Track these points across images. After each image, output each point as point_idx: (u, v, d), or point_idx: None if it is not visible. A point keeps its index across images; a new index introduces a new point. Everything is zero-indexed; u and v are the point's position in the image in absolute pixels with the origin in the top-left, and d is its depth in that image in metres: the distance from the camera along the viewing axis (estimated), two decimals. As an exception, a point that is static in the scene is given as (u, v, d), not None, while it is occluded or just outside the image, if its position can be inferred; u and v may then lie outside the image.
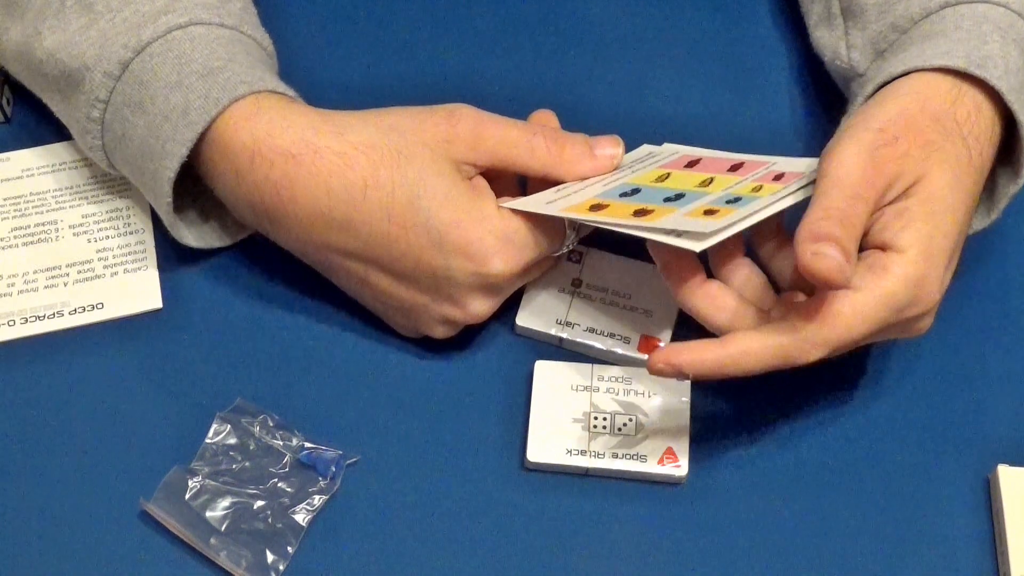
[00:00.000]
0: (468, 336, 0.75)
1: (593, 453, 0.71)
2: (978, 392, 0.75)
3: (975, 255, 0.77)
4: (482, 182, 0.72)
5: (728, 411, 0.74)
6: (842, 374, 0.75)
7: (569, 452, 0.71)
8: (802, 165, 0.71)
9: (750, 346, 0.66)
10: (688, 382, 0.73)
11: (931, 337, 0.74)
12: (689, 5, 0.91)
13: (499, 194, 0.73)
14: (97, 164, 0.77)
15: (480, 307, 0.72)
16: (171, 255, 0.78)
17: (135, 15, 0.73)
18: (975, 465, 0.72)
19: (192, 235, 0.76)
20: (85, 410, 0.73)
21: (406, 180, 0.69)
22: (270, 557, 0.68)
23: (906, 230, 0.66)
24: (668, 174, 0.73)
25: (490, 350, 0.75)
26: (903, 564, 0.70)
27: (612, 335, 0.75)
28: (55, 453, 0.72)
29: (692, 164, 0.74)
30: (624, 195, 0.71)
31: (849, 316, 0.65)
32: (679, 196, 0.70)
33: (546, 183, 0.73)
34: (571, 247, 0.74)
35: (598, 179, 0.73)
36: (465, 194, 0.70)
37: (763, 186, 0.70)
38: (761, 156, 0.74)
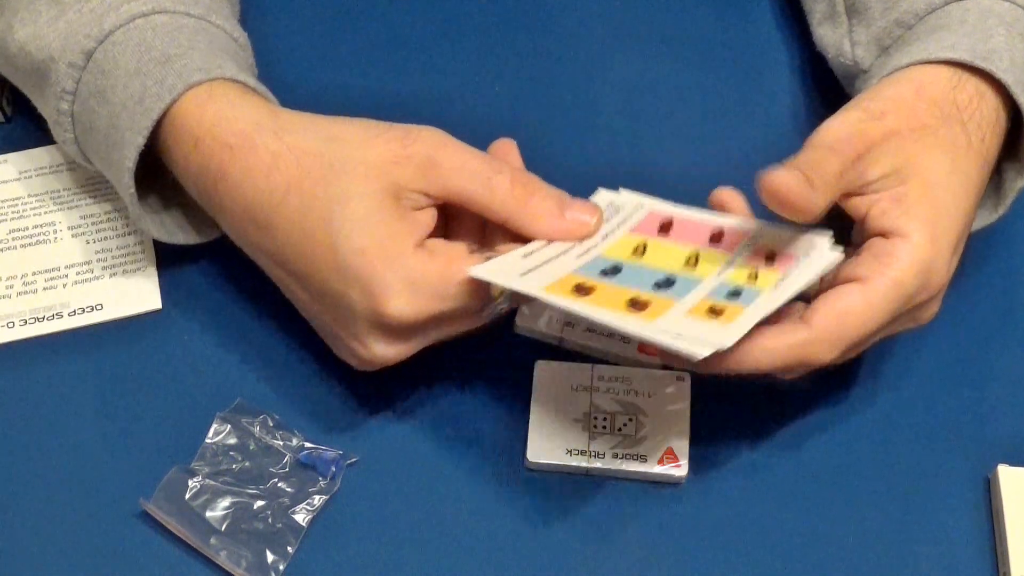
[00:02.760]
0: (468, 336, 0.75)
1: (593, 453, 0.71)
2: (978, 392, 0.75)
3: (976, 254, 0.77)
4: (426, 217, 0.67)
5: (728, 411, 0.74)
6: (842, 374, 0.74)
7: (569, 452, 0.71)
8: (791, 243, 0.67)
9: (766, 343, 0.64)
10: (688, 382, 0.73)
11: (932, 336, 0.75)
12: (690, 4, 0.91)
13: (461, 236, 0.69)
14: (75, 159, 0.76)
15: (381, 350, 0.67)
16: (170, 255, 0.78)
17: (101, 5, 0.73)
18: (975, 465, 0.72)
19: (155, 227, 0.74)
20: (85, 410, 0.73)
21: (328, 194, 0.66)
22: (270, 557, 0.68)
23: (907, 215, 0.66)
24: (644, 244, 0.69)
25: (490, 350, 0.75)
26: (903, 564, 0.69)
27: (612, 335, 0.75)
28: (55, 453, 0.72)
29: (665, 228, 0.70)
30: (605, 273, 0.67)
31: (861, 310, 0.65)
32: (669, 282, 0.67)
33: (507, 234, 0.68)
34: (502, 312, 0.68)
35: (570, 244, 0.69)
36: (385, 223, 0.65)
37: (759, 273, 0.67)
38: (739, 220, 0.70)
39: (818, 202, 0.64)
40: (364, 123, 0.69)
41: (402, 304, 0.64)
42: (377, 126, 0.68)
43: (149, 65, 0.70)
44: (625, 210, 0.71)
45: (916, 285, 0.66)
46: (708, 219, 0.70)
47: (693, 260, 0.68)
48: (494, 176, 0.67)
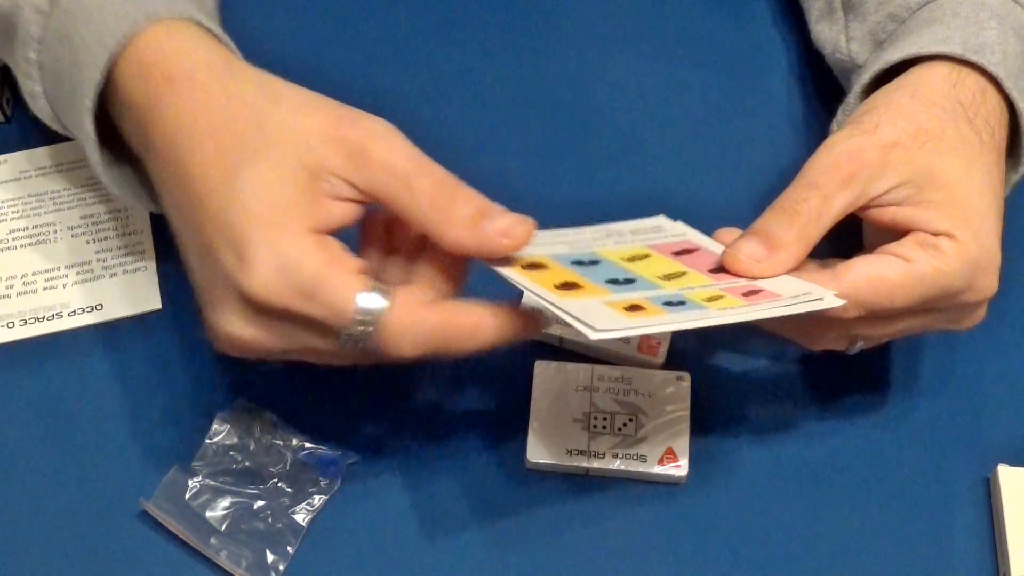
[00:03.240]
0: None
1: (593, 453, 0.71)
2: (978, 392, 0.75)
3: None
4: (340, 210, 0.62)
5: (728, 411, 0.74)
6: (842, 374, 0.75)
7: (569, 452, 0.71)
8: (787, 287, 0.64)
9: None
10: (688, 382, 0.73)
11: (931, 337, 0.75)
12: (688, 4, 0.91)
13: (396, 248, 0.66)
14: (44, 119, 0.72)
15: (233, 325, 0.62)
16: (171, 255, 0.77)
17: None
18: (975, 465, 0.72)
19: (115, 182, 0.70)
20: (85, 410, 0.73)
21: (243, 148, 0.61)
22: (270, 557, 0.68)
23: (942, 218, 0.65)
24: (648, 255, 0.67)
25: (490, 350, 0.75)
26: (903, 564, 0.70)
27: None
28: (55, 453, 0.72)
29: (682, 253, 0.68)
30: (578, 263, 0.65)
31: (895, 282, 0.64)
32: (628, 281, 0.64)
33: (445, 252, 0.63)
34: (364, 346, 0.61)
35: (576, 236, 0.67)
36: (286, 196, 0.61)
37: (724, 297, 0.63)
38: None
39: (786, 258, 0.65)
40: (316, 96, 0.64)
41: (262, 281, 0.59)
42: (327, 102, 0.64)
43: (114, 4, 0.67)
44: (664, 234, 0.70)
45: (962, 281, 0.65)
46: None
47: (676, 275, 0.65)
48: (417, 178, 0.62)
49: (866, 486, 0.72)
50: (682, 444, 0.71)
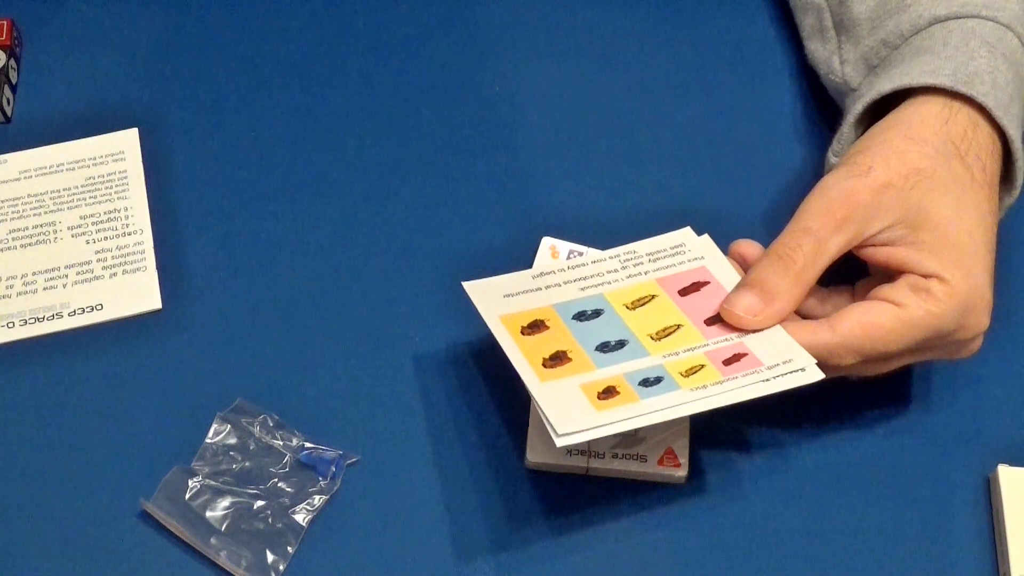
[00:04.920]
0: (467, 336, 0.75)
1: (593, 453, 0.71)
2: (978, 392, 0.75)
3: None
4: None
5: (728, 412, 0.73)
6: (841, 376, 0.75)
7: (569, 452, 0.71)
8: (771, 351, 0.67)
9: (795, 335, 0.67)
10: (688, 382, 0.73)
11: (931, 337, 0.75)
12: (690, 10, 0.91)
13: None
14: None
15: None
16: (170, 255, 0.78)
17: None
18: (975, 465, 0.72)
19: None
20: (85, 410, 0.73)
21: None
22: (270, 557, 0.68)
23: (932, 259, 0.67)
24: (651, 297, 0.71)
25: (490, 349, 0.75)
26: (903, 564, 0.70)
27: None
28: (55, 453, 0.72)
29: (690, 290, 0.71)
30: (579, 316, 0.70)
31: (888, 329, 0.66)
32: (620, 344, 0.69)
33: None
34: None
35: (595, 268, 0.73)
36: None
37: (704, 367, 0.67)
38: None
39: (782, 307, 0.67)
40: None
41: None
42: None
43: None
44: (685, 255, 0.73)
45: (953, 322, 0.67)
46: None
47: (670, 331, 0.69)
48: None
49: (866, 486, 0.72)
50: (682, 444, 0.71)
